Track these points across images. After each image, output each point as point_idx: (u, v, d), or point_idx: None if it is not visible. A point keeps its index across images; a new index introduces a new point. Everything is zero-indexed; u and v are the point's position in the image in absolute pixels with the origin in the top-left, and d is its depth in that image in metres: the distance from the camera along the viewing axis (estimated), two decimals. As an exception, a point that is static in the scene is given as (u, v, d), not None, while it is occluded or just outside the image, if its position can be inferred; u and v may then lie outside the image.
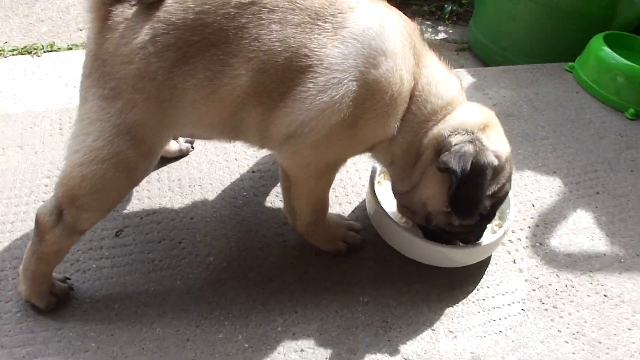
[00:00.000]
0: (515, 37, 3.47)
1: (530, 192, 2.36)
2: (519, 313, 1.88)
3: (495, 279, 1.99)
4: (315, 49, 1.50)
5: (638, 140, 2.75)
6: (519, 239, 2.15)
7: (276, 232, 2.04)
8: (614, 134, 2.78)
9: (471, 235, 1.86)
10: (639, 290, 2.00)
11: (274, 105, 1.54)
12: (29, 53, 3.27)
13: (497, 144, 1.68)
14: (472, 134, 1.65)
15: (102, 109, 1.49)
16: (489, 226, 1.91)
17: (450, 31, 4.18)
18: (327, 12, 1.53)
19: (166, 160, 2.27)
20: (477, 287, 1.95)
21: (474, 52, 3.83)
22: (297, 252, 1.98)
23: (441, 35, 4.11)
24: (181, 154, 2.31)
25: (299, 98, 1.52)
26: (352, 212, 2.17)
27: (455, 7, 4.33)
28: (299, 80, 1.51)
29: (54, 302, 1.70)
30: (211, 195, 2.15)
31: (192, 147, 2.34)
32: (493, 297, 1.92)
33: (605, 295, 1.98)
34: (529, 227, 2.20)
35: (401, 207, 1.88)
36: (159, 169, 2.23)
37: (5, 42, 3.36)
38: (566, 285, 1.99)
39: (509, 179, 1.75)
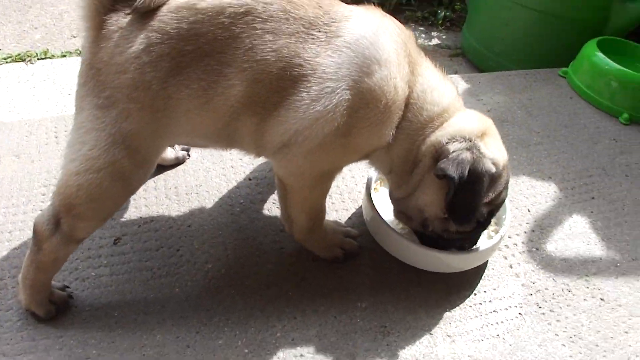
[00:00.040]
0: (508, 42, 3.49)
1: (525, 197, 2.38)
2: (516, 317, 1.89)
3: (492, 283, 2.00)
4: (309, 59, 1.51)
5: (632, 145, 2.77)
6: (515, 244, 2.16)
7: (273, 239, 2.05)
8: (608, 139, 2.80)
9: (467, 242, 1.87)
10: (635, 294, 2.02)
11: (268, 114, 1.55)
12: (23, 60, 3.27)
13: (494, 152, 1.70)
14: (470, 141, 1.66)
15: (98, 118, 1.49)
16: (485, 231, 1.92)
17: (444, 37, 4.19)
18: (321, 21, 1.55)
19: (162, 168, 2.27)
20: (475, 291, 1.96)
21: (468, 58, 3.85)
22: (295, 259, 1.99)
23: (434, 41, 4.12)
24: (177, 162, 2.31)
25: (293, 107, 1.53)
26: (349, 218, 2.17)
27: (449, 12, 4.34)
28: (293, 89, 1.52)
29: (53, 310, 1.70)
30: (208, 203, 2.16)
31: (189, 155, 2.35)
32: (490, 301, 1.93)
33: (601, 299, 1.99)
34: (525, 232, 2.21)
35: (398, 213, 1.89)
36: (156, 177, 2.24)
37: (-1, 49, 3.37)
38: (563, 290, 2.01)
39: (506, 187, 1.76)
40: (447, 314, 1.87)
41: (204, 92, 1.50)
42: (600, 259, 2.14)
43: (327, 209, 1.94)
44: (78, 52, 3.42)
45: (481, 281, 2.00)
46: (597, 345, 1.83)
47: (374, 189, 2.10)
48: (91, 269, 1.87)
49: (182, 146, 2.33)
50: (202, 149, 2.33)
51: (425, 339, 1.78)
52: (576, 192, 2.44)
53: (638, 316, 1.94)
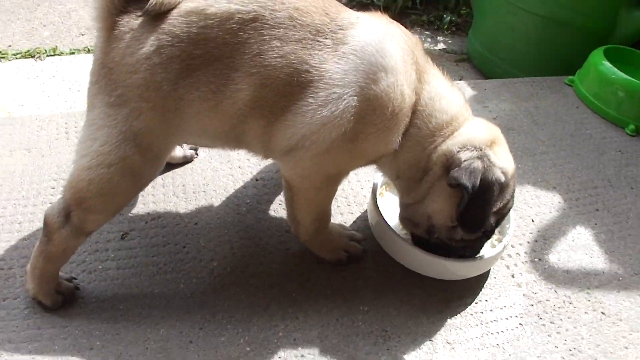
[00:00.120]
0: (514, 48, 3.48)
1: (529, 207, 2.39)
2: (517, 327, 1.90)
3: (494, 292, 2.01)
4: (316, 65, 1.53)
5: (638, 157, 2.77)
6: (518, 253, 2.17)
7: (279, 239, 2.07)
8: (614, 150, 2.80)
9: (470, 250, 1.88)
10: (637, 309, 2.02)
11: (275, 118, 1.58)
12: (32, 57, 3.31)
13: (503, 161, 1.71)
14: (481, 150, 1.67)
15: (109, 116, 1.53)
16: (488, 240, 1.93)
17: (450, 42, 4.18)
18: (328, 28, 1.57)
19: (170, 166, 2.30)
20: (476, 300, 1.97)
21: (473, 63, 3.85)
22: (299, 260, 2.01)
23: (440, 46, 4.12)
24: (185, 160, 2.34)
25: (300, 112, 1.55)
26: (354, 222, 2.19)
27: (454, 17, 4.33)
28: (300, 94, 1.54)
29: (60, 300, 1.73)
30: (215, 202, 2.18)
31: (197, 154, 2.37)
32: (491, 310, 1.95)
33: (602, 313, 2.00)
34: (528, 242, 2.22)
35: (403, 218, 1.90)
36: (164, 175, 2.26)
37: (9, 46, 3.39)
38: (564, 302, 2.02)
39: (512, 195, 1.78)
40: (448, 321, 1.88)
41: (213, 95, 1.53)
42: (603, 272, 2.15)
43: (332, 212, 1.96)
44: (86, 49, 3.46)
45: (483, 290, 2.01)
46: (596, 359, 1.84)
47: (380, 193, 2.11)
48: (98, 262, 1.90)
49: (190, 145, 2.35)
50: (210, 148, 2.35)
51: (426, 345, 1.80)
52: (580, 204, 2.45)
53: (639, 331, 1.95)
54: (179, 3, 1.51)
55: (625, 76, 2.94)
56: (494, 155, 1.70)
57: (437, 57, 3.87)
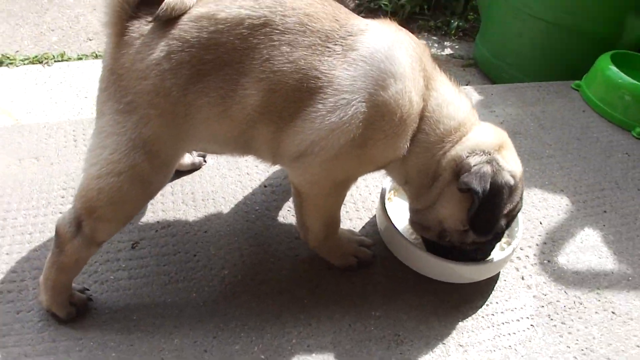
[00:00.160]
0: (521, 54, 3.50)
1: (537, 210, 2.39)
2: (528, 329, 1.91)
3: (504, 294, 2.01)
4: (325, 71, 1.54)
5: (645, 160, 2.78)
6: (527, 256, 2.18)
7: (288, 246, 2.07)
8: (621, 152, 2.81)
9: (480, 253, 1.88)
10: (647, 308, 2.03)
11: (284, 124, 1.58)
12: (40, 62, 3.32)
13: (512, 164, 1.73)
14: (489, 154, 1.68)
15: (118, 123, 1.52)
16: (498, 243, 1.94)
17: (457, 47, 4.20)
18: (338, 34, 1.57)
19: (179, 173, 2.30)
20: (487, 302, 1.98)
21: (480, 69, 3.86)
22: (308, 266, 2.01)
23: (447, 51, 4.14)
24: (194, 168, 2.35)
25: (309, 118, 1.55)
26: (363, 227, 2.20)
27: (462, 22, 4.35)
28: (309, 100, 1.55)
29: (73, 312, 1.73)
30: (224, 209, 2.18)
31: (205, 161, 2.38)
32: (502, 312, 1.95)
33: (613, 313, 2.00)
34: (537, 245, 2.23)
35: (413, 223, 1.91)
36: (173, 183, 2.27)
37: (17, 51, 3.40)
38: (574, 302, 2.02)
39: (521, 198, 1.79)
40: (459, 324, 1.89)
41: (222, 100, 1.53)
42: (612, 272, 2.15)
43: (341, 217, 1.96)
44: (94, 55, 3.47)
45: (493, 292, 2.01)
46: (608, 359, 1.84)
47: (388, 198, 2.12)
48: (110, 272, 1.90)
49: (198, 152, 2.36)
50: (218, 155, 2.36)
51: (439, 348, 1.80)
52: (588, 206, 2.45)
53: (649, 330, 1.96)
54: (189, 8, 1.52)
55: (632, 81, 2.97)
56: (503, 159, 1.71)
57: (444, 62, 3.89)
